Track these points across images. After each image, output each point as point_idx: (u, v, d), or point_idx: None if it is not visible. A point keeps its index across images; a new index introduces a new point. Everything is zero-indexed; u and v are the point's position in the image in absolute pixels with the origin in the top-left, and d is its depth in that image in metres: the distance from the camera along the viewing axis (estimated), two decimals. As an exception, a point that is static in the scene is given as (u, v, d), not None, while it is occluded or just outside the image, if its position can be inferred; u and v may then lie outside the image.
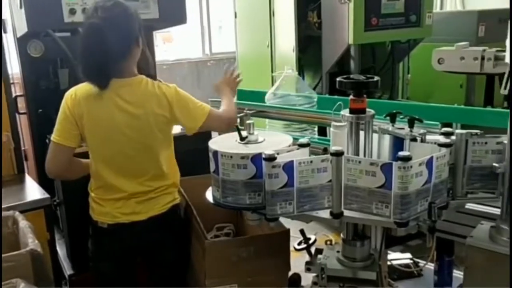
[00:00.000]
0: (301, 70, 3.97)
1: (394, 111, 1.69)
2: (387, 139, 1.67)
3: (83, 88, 1.75)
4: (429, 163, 1.42)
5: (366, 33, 3.16)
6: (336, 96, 1.90)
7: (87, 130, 1.74)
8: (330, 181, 1.49)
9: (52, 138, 1.76)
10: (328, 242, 1.78)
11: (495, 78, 2.24)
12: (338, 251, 1.70)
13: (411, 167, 1.37)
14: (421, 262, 2.13)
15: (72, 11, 2.14)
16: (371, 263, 1.64)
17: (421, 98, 3.72)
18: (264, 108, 2.21)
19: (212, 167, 1.62)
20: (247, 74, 4.51)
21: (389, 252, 2.27)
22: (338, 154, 1.45)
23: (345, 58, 3.58)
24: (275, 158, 1.45)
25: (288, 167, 1.46)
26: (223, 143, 1.66)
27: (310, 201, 1.51)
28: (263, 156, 1.47)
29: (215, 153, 1.59)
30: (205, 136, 1.87)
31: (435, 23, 3.49)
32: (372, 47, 3.68)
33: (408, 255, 2.18)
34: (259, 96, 2.46)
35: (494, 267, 1.43)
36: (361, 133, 1.58)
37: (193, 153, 1.96)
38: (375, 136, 1.68)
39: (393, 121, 1.66)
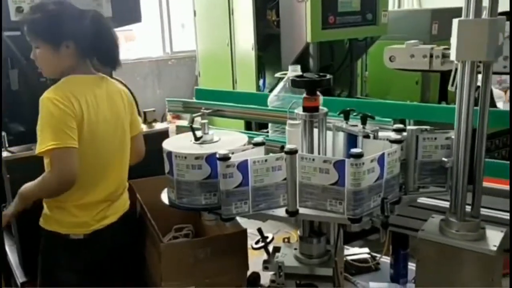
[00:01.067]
0: (262, 68, 3.99)
1: (348, 108, 1.72)
2: (341, 136, 1.69)
3: (73, 86, 1.66)
4: (380, 159, 1.45)
5: (323, 31, 3.19)
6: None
7: (86, 128, 1.65)
8: (285, 179, 1.49)
9: (62, 144, 1.56)
10: (286, 240, 1.78)
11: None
12: (295, 249, 1.70)
13: (363, 163, 1.39)
14: (379, 256, 2.17)
15: (19, 9, 2.06)
16: (327, 259, 1.65)
17: (379, 95, 3.80)
18: (221, 107, 2.20)
19: (167, 168, 1.60)
20: (208, 73, 4.51)
21: (347, 247, 2.30)
22: (292, 152, 1.46)
23: (304, 56, 3.62)
24: (229, 158, 1.45)
25: (243, 167, 1.46)
26: (177, 143, 1.63)
27: (265, 200, 1.51)
28: (217, 156, 1.45)
29: (169, 153, 1.56)
30: (163, 137, 1.84)
31: (391, 21, 3.57)
32: (330, 45, 3.72)
33: (366, 249, 2.22)
34: (218, 95, 2.44)
35: (445, 259, 1.47)
36: (315, 130, 1.59)
37: (151, 154, 1.92)
38: (330, 133, 1.70)
39: (346, 118, 1.68)
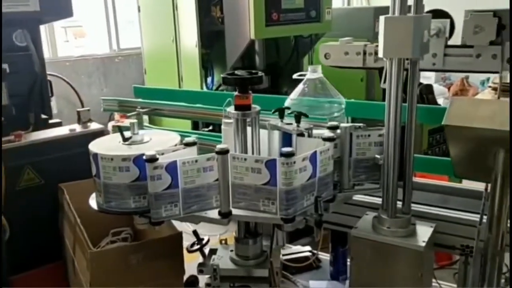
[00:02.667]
0: (210, 66, 3.92)
1: (284, 106, 1.70)
2: (277, 135, 1.66)
3: None
4: (312, 158, 1.43)
5: (267, 28, 3.17)
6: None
7: None
8: (217, 180, 1.45)
9: None
10: (224, 241, 1.74)
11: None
12: (231, 250, 1.67)
13: (294, 162, 1.37)
14: (321, 254, 2.17)
15: None
16: (263, 260, 1.63)
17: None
18: (158, 106, 2.12)
19: (94, 170, 1.52)
20: (154, 71, 4.40)
21: (290, 246, 2.29)
22: (223, 152, 1.42)
23: (250, 53, 3.59)
24: (156, 159, 1.39)
25: (171, 168, 1.40)
26: (105, 144, 1.56)
27: (197, 201, 1.46)
28: (144, 157, 1.39)
29: (95, 155, 1.49)
30: (98, 137, 1.75)
31: (336, 19, 3.59)
32: (276, 42, 3.71)
33: (308, 247, 2.21)
34: (158, 93, 2.36)
35: (377, 256, 1.48)
36: (249, 129, 1.56)
37: (84, 156, 1.83)
38: (266, 132, 1.67)
39: (281, 116, 1.66)
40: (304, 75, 1.87)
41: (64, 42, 6.02)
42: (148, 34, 4.27)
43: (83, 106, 4.94)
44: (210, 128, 3.20)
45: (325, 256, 2.16)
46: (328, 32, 3.50)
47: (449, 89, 6.88)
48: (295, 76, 2.44)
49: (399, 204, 1.53)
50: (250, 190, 1.43)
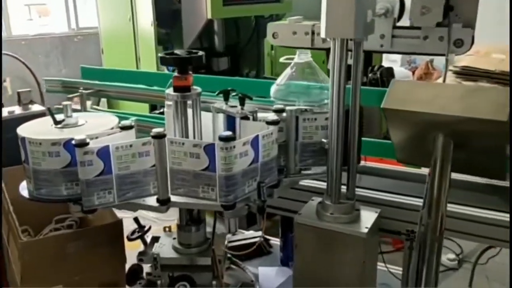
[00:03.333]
0: (169, 46, 3.79)
1: (229, 88, 1.63)
2: (221, 118, 1.60)
3: None
4: (254, 142, 1.37)
5: (225, 8, 3.07)
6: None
7: None
8: (154, 165, 1.38)
9: None
10: (167, 229, 1.67)
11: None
12: (174, 238, 1.61)
13: (234, 147, 1.31)
14: (272, 239, 2.13)
15: None
16: (206, 248, 1.58)
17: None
18: (103, 87, 2.02)
19: (22, 156, 1.42)
20: (111, 50, 4.24)
21: (242, 231, 2.24)
22: (160, 137, 1.35)
23: (209, 34, 3.48)
24: (86, 144, 1.30)
25: (103, 153, 1.32)
26: (34, 128, 1.46)
27: (133, 188, 1.39)
28: (73, 142, 1.31)
29: (23, 140, 1.39)
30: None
31: (297, -1, 3.51)
32: (236, 22, 3.61)
33: (259, 233, 2.17)
34: (103, 74, 2.25)
35: (320, 243, 1.44)
36: (190, 112, 1.49)
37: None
38: (210, 115, 1.61)
39: (226, 99, 1.59)
40: (292, 58, 1.73)
41: (28, 21, 5.74)
42: (105, 12, 4.11)
43: (39, 87, 4.74)
44: (161, 110, 3.10)
45: (276, 242, 2.12)
46: (289, 12, 3.42)
47: (413, 72, 6.92)
48: (281, 60, 2.28)
49: (344, 189, 1.49)
50: (189, 176, 1.36)
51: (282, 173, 1.56)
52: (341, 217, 1.43)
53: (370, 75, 2.93)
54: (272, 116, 1.50)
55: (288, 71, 1.73)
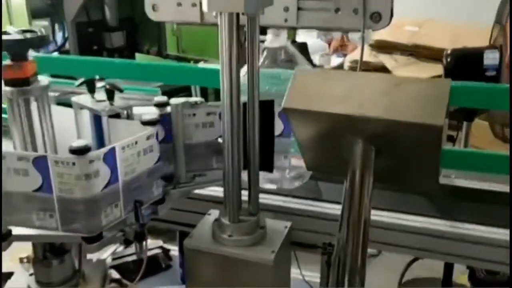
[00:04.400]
0: (59, 21, 3.27)
1: (97, 77, 1.26)
2: (87, 116, 1.24)
3: None
4: (108, 157, 1.00)
5: (112, -26, 2.62)
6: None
7: None
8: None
9: None
10: (25, 260, 1.30)
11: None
12: (31, 274, 1.23)
13: (73, 164, 0.95)
14: (173, 249, 1.82)
15: None
16: (75, 285, 1.22)
17: (198, 52, 3.39)
18: None
19: None
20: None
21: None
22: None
23: (99, 5, 3.02)
24: None
25: None
26: None
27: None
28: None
29: None
30: None
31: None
32: (130, -8, 3.17)
33: (159, 242, 1.84)
34: None
35: (219, 272, 1.15)
36: (34, 112, 1.10)
37: None
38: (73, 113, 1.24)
39: (91, 91, 1.22)
40: (262, 41, 1.36)
41: None
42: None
43: None
44: None
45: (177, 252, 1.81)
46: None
47: (330, 44, 6.78)
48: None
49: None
50: (17, 199, 0.99)
51: (170, 182, 1.24)
52: (242, 240, 1.13)
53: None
54: (149, 113, 1.16)
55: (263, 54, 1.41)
